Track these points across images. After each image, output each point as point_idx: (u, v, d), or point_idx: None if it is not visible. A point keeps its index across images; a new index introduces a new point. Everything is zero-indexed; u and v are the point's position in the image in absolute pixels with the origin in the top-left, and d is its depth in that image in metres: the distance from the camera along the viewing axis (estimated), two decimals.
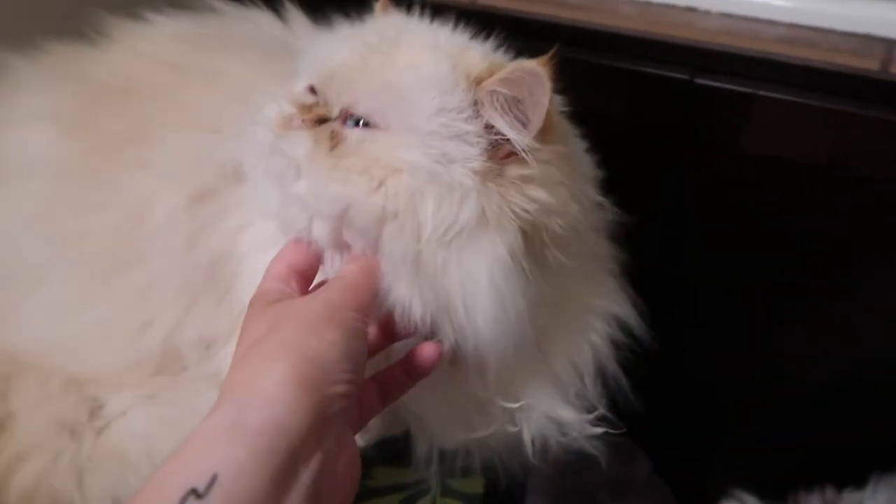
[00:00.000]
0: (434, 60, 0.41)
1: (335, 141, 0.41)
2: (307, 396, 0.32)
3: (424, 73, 0.41)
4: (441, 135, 0.40)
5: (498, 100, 0.40)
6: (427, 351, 0.42)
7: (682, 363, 0.86)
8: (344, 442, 0.34)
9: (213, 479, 0.28)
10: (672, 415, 0.85)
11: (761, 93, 0.68)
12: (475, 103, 0.40)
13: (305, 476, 0.30)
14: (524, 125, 0.40)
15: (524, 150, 0.40)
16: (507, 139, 0.40)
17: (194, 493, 0.27)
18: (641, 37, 0.72)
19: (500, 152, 0.41)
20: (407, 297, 0.40)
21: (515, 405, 0.48)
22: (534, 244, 0.42)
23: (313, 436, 0.31)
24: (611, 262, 0.54)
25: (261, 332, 0.35)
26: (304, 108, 0.43)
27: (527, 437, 0.49)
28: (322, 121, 0.42)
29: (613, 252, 0.55)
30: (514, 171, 0.41)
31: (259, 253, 0.49)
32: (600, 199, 0.49)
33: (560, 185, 0.42)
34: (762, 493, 0.99)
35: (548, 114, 0.40)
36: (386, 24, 0.46)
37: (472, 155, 0.40)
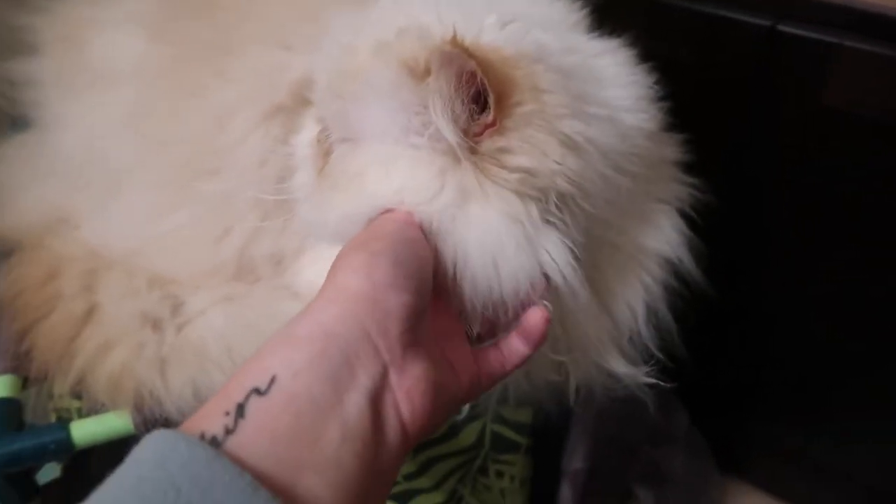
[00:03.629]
0: (375, 66, 0.40)
1: (324, 161, 0.43)
2: (354, 306, 0.33)
3: (369, 81, 0.40)
4: (402, 133, 0.40)
5: (435, 96, 0.38)
6: (533, 317, 0.41)
7: (733, 314, 0.86)
8: (411, 358, 0.34)
9: (273, 379, 0.30)
10: (714, 367, 0.85)
11: (847, 43, 0.65)
12: (424, 97, 0.39)
13: (364, 379, 0.32)
14: (474, 116, 0.39)
15: (472, 137, 0.39)
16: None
17: (256, 391, 0.30)
18: None
19: (470, 130, 0.39)
20: None
21: (565, 358, 0.47)
22: (547, 202, 0.41)
23: (368, 345, 0.33)
24: (672, 201, 0.53)
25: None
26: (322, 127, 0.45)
27: (572, 386, 0.49)
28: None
29: (676, 191, 0.54)
30: (487, 145, 0.39)
31: None
32: (648, 127, 0.47)
33: (544, 145, 0.40)
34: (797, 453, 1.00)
35: (495, 81, 0.38)
36: (362, 16, 0.45)
37: (437, 138, 0.39)
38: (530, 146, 0.39)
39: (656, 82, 0.49)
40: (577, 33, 0.48)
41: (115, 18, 0.56)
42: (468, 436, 0.66)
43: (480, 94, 0.38)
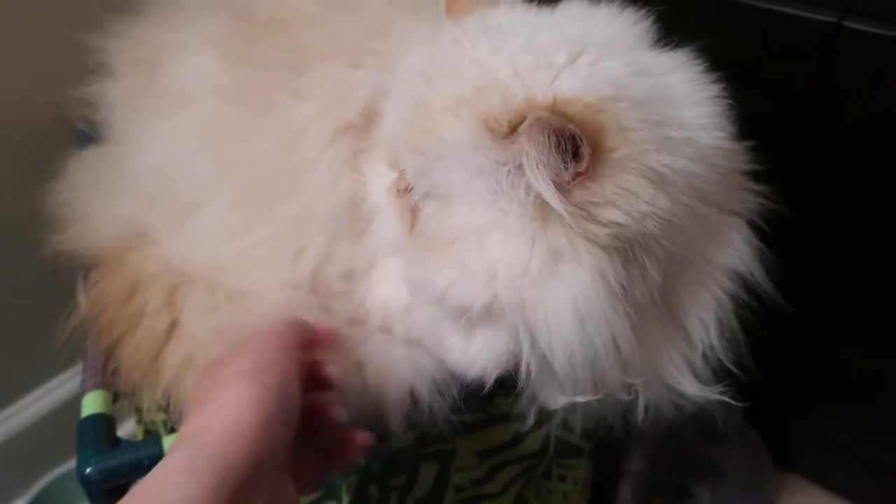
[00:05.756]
0: (455, 126, 0.40)
1: (414, 217, 0.43)
2: (246, 441, 0.35)
3: (449, 141, 0.40)
4: (490, 195, 0.40)
5: (528, 156, 0.38)
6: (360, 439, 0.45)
7: (787, 312, 0.85)
8: (282, 490, 0.38)
9: None
10: (767, 364, 0.85)
11: None
12: (510, 157, 0.39)
13: None
14: (565, 166, 0.39)
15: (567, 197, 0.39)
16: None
17: None
18: None
19: (563, 184, 0.39)
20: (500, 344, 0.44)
21: (637, 381, 0.47)
22: (631, 252, 0.41)
23: (255, 479, 0.35)
24: (742, 212, 0.52)
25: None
26: (399, 175, 0.45)
27: (641, 406, 0.49)
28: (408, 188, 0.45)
29: (745, 200, 0.53)
30: (579, 195, 0.39)
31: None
32: (724, 144, 0.46)
33: (637, 188, 0.39)
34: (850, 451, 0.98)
35: (589, 134, 0.37)
36: (431, 54, 0.45)
37: (525, 202, 0.40)
38: (623, 191, 0.39)
39: (722, 90, 0.48)
40: (643, 50, 0.48)
41: (188, 41, 0.58)
42: (533, 442, 0.67)
43: (568, 143, 0.38)
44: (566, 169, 0.39)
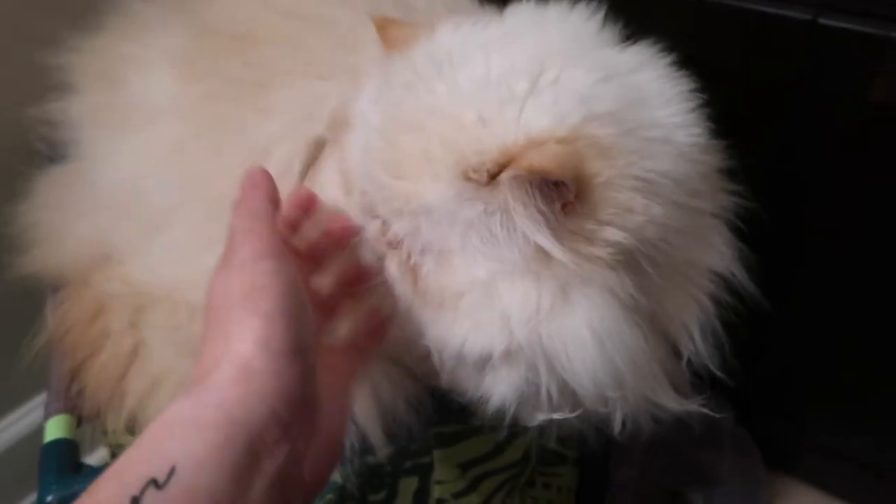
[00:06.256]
0: (432, 186, 0.39)
1: (413, 276, 0.42)
2: (259, 386, 0.31)
3: (431, 202, 0.39)
4: (485, 246, 0.39)
5: (515, 211, 0.37)
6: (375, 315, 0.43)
7: (778, 314, 0.85)
8: (310, 431, 0.34)
9: (173, 471, 0.28)
10: (760, 364, 0.84)
11: (894, 35, 0.62)
12: (497, 204, 0.38)
13: (269, 466, 0.30)
14: (552, 205, 0.38)
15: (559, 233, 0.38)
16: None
17: (154, 482, 0.27)
18: None
19: (552, 218, 0.38)
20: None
21: (615, 394, 0.45)
22: (634, 262, 0.40)
23: (277, 427, 0.31)
24: (721, 213, 0.51)
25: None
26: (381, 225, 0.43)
27: (618, 420, 0.47)
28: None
29: (724, 201, 0.51)
30: (573, 224, 0.38)
31: None
32: (701, 141, 0.45)
33: (629, 203, 0.39)
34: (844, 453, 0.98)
35: (569, 170, 0.36)
36: (385, 106, 0.43)
37: (522, 245, 0.39)
38: (617, 210, 0.39)
39: (695, 88, 0.47)
40: (603, 48, 0.46)
41: (149, 56, 0.57)
42: (515, 451, 0.66)
43: (551, 186, 0.37)
44: (554, 203, 0.38)
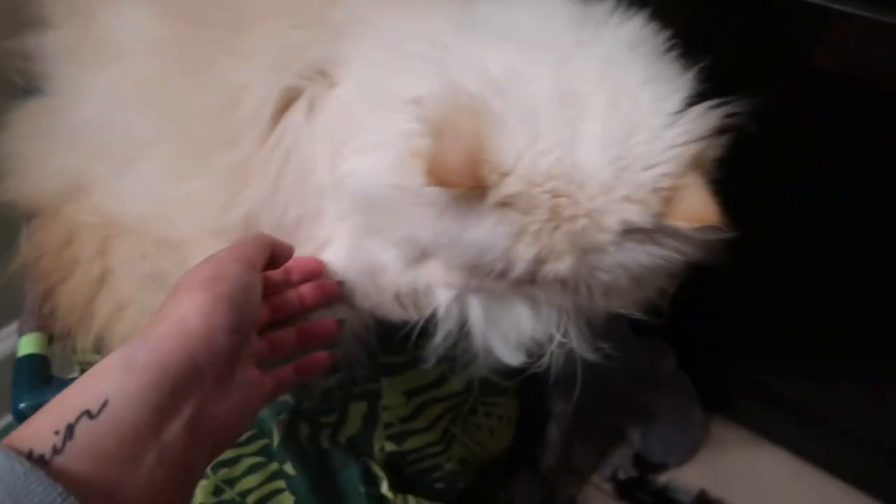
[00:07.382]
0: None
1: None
2: (192, 345, 0.37)
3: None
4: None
5: None
6: (319, 357, 0.49)
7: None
8: (226, 385, 0.40)
9: (105, 404, 0.33)
10: (701, 311, 0.88)
11: (835, 6, 0.65)
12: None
13: (187, 410, 0.36)
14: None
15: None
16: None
17: (87, 413, 0.32)
18: None
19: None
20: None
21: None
22: None
23: (198, 380, 0.37)
24: None
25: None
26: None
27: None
28: None
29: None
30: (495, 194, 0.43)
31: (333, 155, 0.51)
32: None
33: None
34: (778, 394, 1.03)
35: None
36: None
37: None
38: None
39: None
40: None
41: None
42: (458, 382, 0.71)
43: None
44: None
